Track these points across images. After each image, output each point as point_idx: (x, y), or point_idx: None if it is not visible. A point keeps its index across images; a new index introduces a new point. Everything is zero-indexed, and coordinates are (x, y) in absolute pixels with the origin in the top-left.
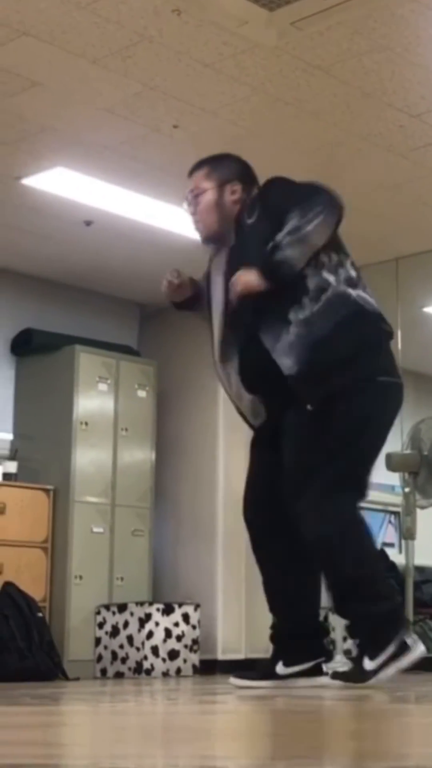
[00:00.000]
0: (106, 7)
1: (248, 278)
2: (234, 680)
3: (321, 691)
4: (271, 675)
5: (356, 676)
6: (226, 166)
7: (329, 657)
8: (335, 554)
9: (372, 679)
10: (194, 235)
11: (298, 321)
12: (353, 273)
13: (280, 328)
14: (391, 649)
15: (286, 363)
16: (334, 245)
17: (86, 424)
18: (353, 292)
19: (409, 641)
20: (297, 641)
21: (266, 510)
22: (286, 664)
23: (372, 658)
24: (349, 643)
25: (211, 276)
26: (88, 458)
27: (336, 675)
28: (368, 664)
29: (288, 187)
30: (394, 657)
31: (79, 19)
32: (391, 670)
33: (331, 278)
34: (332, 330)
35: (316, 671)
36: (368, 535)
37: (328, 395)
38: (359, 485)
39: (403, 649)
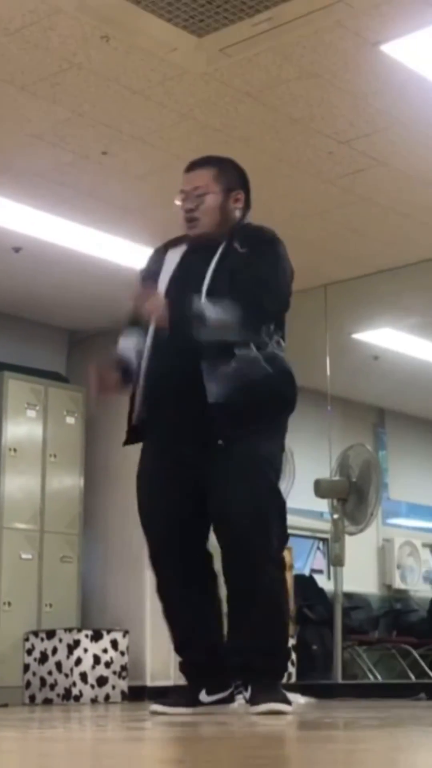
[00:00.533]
0: (34, 34)
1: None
2: (155, 707)
3: (243, 717)
4: (193, 702)
5: (287, 701)
6: (232, 173)
7: (252, 686)
8: (274, 609)
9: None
10: (122, 262)
11: (240, 357)
12: (282, 344)
13: (222, 357)
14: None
15: (214, 390)
16: (276, 320)
17: (15, 450)
18: (281, 357)
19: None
20: (218, 671)
21: (174, 529)
22: (210, 693)
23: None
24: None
25: (165, 263)
26: (17, 484)
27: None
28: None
29: (264, 268)
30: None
31: (8, 45)
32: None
33: (267, 339)
34: (262, 379)
35: (231, 698)
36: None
37: (241, 436)
38: (284, 531)
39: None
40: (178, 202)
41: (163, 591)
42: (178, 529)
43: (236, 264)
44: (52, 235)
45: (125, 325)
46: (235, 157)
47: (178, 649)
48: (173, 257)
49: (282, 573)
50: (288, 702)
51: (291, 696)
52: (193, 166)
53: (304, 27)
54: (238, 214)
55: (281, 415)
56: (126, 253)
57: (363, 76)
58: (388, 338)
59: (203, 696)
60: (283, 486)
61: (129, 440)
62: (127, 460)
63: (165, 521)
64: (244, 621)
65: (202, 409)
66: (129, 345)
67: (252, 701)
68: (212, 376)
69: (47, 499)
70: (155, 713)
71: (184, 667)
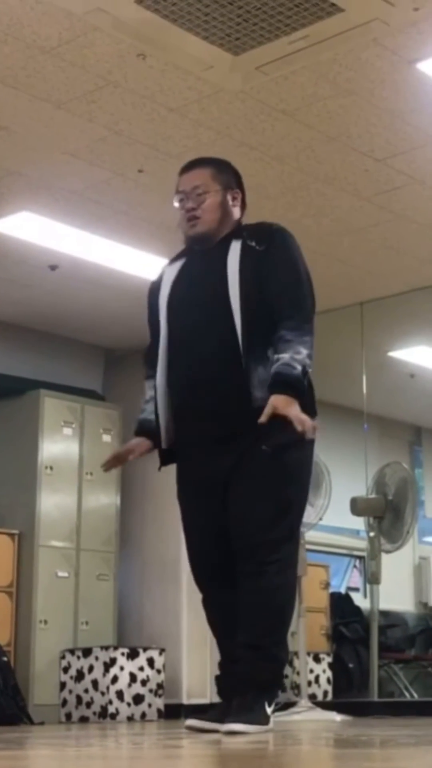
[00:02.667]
0: (70, 52)
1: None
2: (191, 722)
3: (277, 734)
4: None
5: (263, 719)
6: (228, 172)
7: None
8: (279, 618)
9: (270, 724)
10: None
11: (273, 364)
12: None
13: (258, 360)
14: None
15: (258, 395)
16: None
17: (51, 468)
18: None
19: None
20: None
21: (220, 565)
22: None
23: (269, 704)
24: (314, 688)
25: (164, 277)
26: (53, 502)
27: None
28: (268, 710)
29: (291, 264)
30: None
31: (44, 63)
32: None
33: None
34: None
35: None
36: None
37: (282, 443)
38: (293, 548)
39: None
40: (176, 204)
41: (206, 603)
42: (218, 545)
43: (260, 263)
44: (88, 253)
45: (146, 371)
46: (270, 175)
47: (221, 657)
48: (171, 271)
49: (290, 589)
50: (264, 722)
51: (327, 714)
52: (189, 167)
53: (341, 45)
54: (237, 212)
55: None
56: None
57: (399, 94)
58: (424, 356)
59: None
60: (319, 503)
61: (163, 462)
62: (163, 478)
63: (205, 540)
64: (241, 632)
65: (235, 417)
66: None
67: (225, 717)
68: (253, 381)
69: (83, 517)
70: (191, 728)
71: (220, 681)
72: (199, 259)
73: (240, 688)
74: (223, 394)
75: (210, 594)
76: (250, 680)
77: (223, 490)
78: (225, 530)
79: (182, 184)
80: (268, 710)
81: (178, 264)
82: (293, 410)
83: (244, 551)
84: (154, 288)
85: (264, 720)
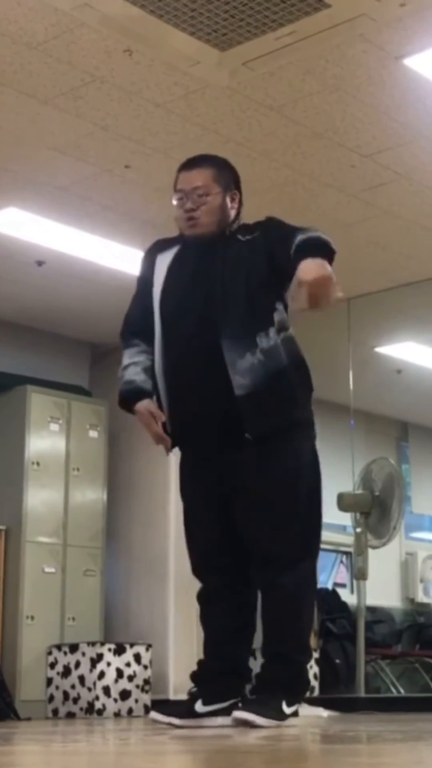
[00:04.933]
0: (57, 48)
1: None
2: (153, 714)
3: (258, 731)
4: (189, 713)
5: (275, 714)
6: (228, 173)
7: (244, 698)
8: (298, 614)
9: (286, 721)
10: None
11: (263, 348)
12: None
13: (246, 348)
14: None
15: (241, 382)
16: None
17: (38, 464)
18: (296, 343)
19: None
20: (220, 679)
21: (222, 555)
22: (205, 703)
23: (289, 704)
24: None
25: (156, 269)
26: (40, 498)
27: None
28: (286, 708)
29: (288, 225)
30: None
31: (30, 59)
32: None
33: (289, 322)
34: (287, 366)
35: (230, 710)
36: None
37: (272, 430)
38: (317, 538)
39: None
40: (174, 202)
41: (202, 597)
42: (219, 543)
43: (252, 249)
44: (75, 249)
45: (126, 341)
46: (257, 171)
47: (205, 654)
48: (163, 261)
49: (311, 585)
50: (276, 718)
51: (314, 709)
52: (191, 166)
53: (327, 41)
54: (233, 213)
55: (308, 404)
56: None
57: (386, 89)
58: (411, 352)
59: (198, 706)
60: None
61: (172, 445)
62: (149, 474)
63: (205, 535)
64: (264, 637)
65: (228, 407)
66: (138, 369)
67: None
68: (239, 367)
69: (70, 512)
70: (155, 721)
71: (195, 678)
72: (193, 255)
73: (258, 687)
74: (207, 388)
75: (210, 588)
76: (268, 680)
77: (226, 487)
78: (229, 528)
79: (182, 183)
80: (286, 708)
81: (172, 252)
82: (326, 271)
83: (259, 560)
84: (147, 274)
85: (277, 716)
